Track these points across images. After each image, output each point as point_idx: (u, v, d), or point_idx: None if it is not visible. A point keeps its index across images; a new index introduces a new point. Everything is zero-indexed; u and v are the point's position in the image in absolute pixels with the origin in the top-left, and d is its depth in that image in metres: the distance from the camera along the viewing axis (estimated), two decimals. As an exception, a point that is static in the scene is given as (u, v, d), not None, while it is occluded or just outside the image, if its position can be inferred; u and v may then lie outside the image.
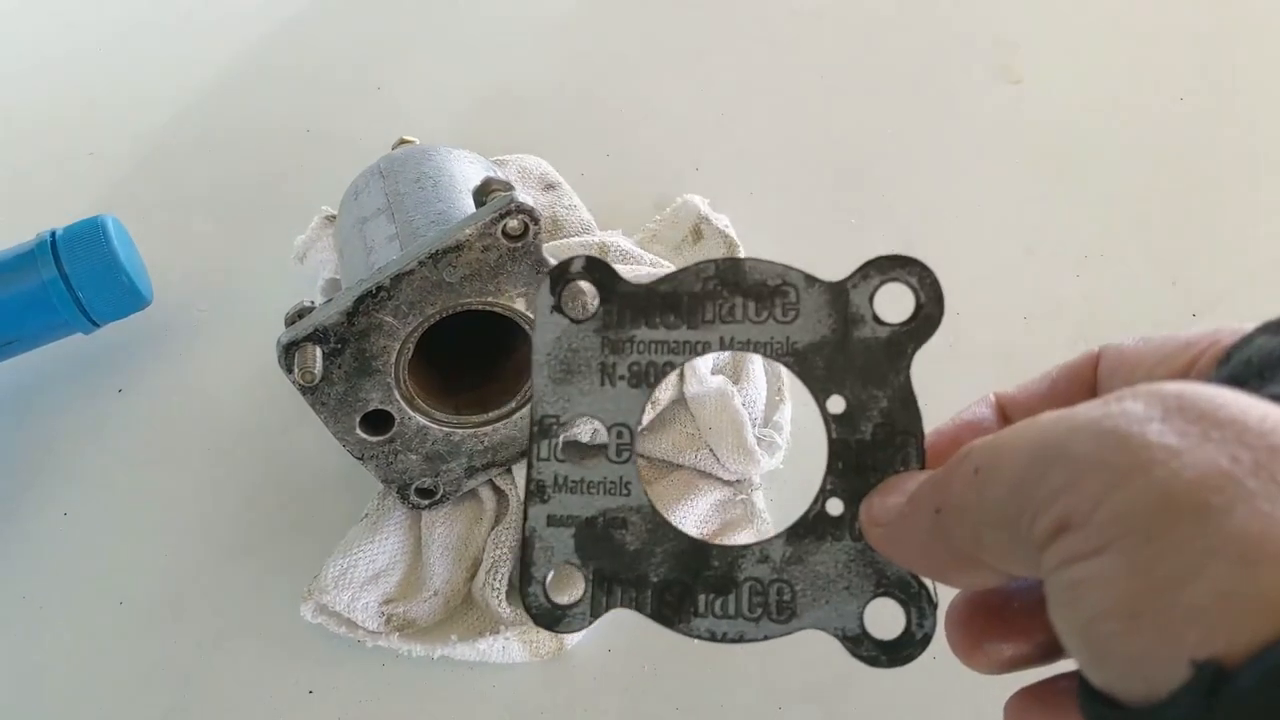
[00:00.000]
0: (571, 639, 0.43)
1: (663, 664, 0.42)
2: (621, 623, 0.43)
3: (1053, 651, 0.22)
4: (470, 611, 0.44)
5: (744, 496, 0.45)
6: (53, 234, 0.49)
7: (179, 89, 0.72)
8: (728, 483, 0.46)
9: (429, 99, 0.69)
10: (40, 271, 0.48)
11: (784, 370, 0.35)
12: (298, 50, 0.75)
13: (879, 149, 0.62)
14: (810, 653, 0.41)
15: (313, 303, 0.40)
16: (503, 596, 0.43)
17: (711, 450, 0.45)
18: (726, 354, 0.49)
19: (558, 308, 0.26)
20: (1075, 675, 0.18)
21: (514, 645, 0.42)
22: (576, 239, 0.53)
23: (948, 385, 0.38)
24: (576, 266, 0.25)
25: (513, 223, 0.38)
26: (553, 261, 0.40)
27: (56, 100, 0.73)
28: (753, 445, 0.45)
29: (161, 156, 0.67)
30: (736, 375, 0.48)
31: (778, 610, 0.24)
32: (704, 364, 0.47)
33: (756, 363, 0.48)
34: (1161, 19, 0.68)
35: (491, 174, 0.48)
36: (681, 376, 0.46)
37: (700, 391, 0.46)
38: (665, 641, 0.43)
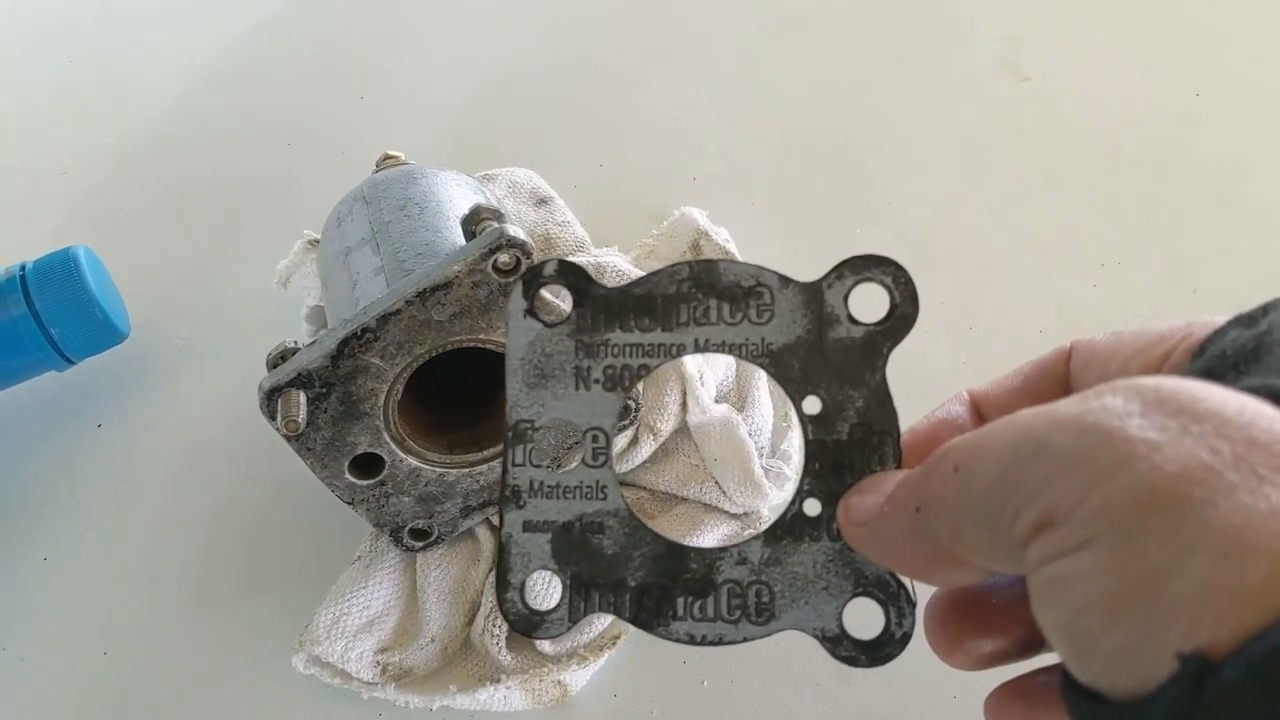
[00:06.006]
0: (575, 685, 0.41)
1: (671, 709, 0.41)
2: (627, 667, 0.42)
3: (1031, 646, 0.22)
4: (469, 658, 0.42)
5: (751, 530, 0.43)
6: (22, 268, 0.47)
7: (154, 106, 0.69)
8: (734, 516, 0.44)
9: (415, 110, 0.66)
10: (10, 308, 0.46)
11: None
12: (278, 62, 0.72)
13: (884, 153, 0.59)
14: (827, 692, 0.40)
15: (295, 343, 0.38)
16: (503, 643, 0.41)
17: (717, 482, 0.43)
18: (731, 380, 0.47)
19: (530, 312, 0.25)
20: (1055, 669, 0.18)
21: (516, 694, 0.40)
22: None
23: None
24: (549, 270, 0.25)
25: (504, 257, 0.36)
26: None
27: (27, 118, 0.70)
28: (760, 477, 0.43)
29: (137, 176, 0.64)
30: (741, 402, 0.46)
31: (756, 612, 0.24)
32: (707, 391, 0.45)
33: (762, 388, 0.46)
34: (1174, 12, 0.65)
35: (481, 197, 0.46)
36: (684, 405, 0.44)
37: (704, 421, 0.44)
38: (673, 686, 0.42)
